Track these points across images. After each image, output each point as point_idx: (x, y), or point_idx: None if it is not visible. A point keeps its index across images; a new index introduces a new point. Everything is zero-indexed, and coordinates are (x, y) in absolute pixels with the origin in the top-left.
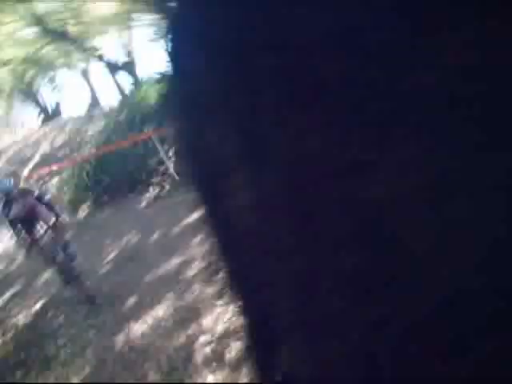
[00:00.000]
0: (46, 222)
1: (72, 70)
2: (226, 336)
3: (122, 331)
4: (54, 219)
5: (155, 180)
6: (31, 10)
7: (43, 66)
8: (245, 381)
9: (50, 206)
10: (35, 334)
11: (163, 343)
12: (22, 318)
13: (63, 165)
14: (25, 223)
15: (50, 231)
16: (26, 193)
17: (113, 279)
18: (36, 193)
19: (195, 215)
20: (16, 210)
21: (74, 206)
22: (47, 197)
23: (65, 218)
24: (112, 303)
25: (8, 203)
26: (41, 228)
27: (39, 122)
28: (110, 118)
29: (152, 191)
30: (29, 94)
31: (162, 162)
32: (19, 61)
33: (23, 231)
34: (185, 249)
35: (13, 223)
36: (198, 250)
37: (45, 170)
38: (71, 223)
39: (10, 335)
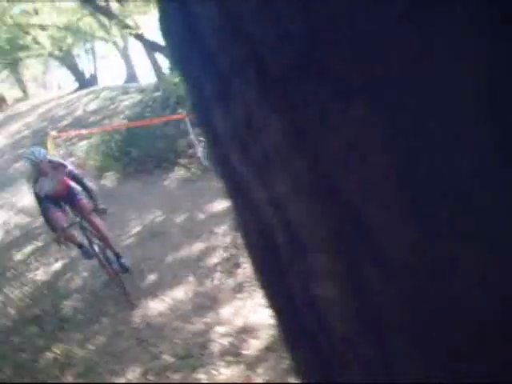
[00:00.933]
0: (82, 209)
1: (110, 44)
2: (243, 331)
3: (139, 306)
4: (90, 206)
5: (183, 161)
6: None
7: (82, 36)
8: (260, 381)
9: (87, 188)
10: (52, 293)
11: (180, 326)
12: (40, 274)
13: (93, 130)
14: (56, 203)
15: (87, 225)
16: (57, 165)
17: (135, 253)
18: (69, 167)
19: (221, 204)
20: (46, 185)
21: (100, 172)
22: (84, 178)
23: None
24: (132, 277)
25: (38, 176)
26: (74, 213)
27: (75, 87)
28: (145, 93)
29: (178, 172)
30: (66, 59)
31: (191, 145)
32: (58, 27)
33: (54, 213)
34: (208, 236)
35: (42, 202)
36: (222, 240)
37: (74, 133)
38: (96, 189)
39: (27, 289)
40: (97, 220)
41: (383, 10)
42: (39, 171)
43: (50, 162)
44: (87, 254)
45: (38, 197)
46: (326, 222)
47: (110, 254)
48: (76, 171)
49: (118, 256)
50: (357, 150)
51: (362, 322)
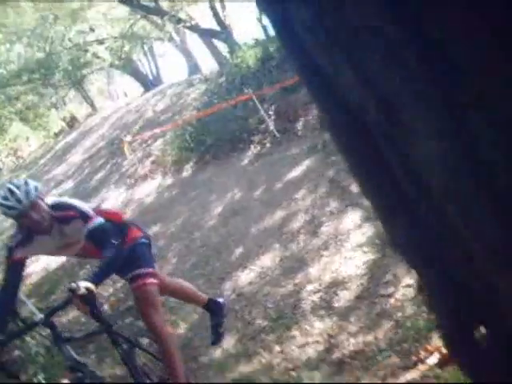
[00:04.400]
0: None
1: (168, 42)
2: (333, 285)
3: (229, 279)
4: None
5: (256, 138)
6: None
7: (138, 40)
8: (354, 328)
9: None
10: None
11: (270, 291)
12: None
13: (166, 128)
14: None
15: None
16: (62, 209)
17: (220, 231)
18: (88, 213)
19: (297, 171)
20: (38, 245)
21: (179, 166)
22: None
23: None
24: (220, 253)
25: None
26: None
27: (141, 91)
28: (209, 82)
29: (253, 149)
30: (127, 67)
31: (262, 121)
32: (114, 38)
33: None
34: (288, 203)
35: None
36: (301, 204)
37: (148, 134)
38: (176, 182)
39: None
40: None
41: None
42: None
43: (54, 206)
44: None
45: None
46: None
47: None
48: (95, 222)
49: None
50: None
51: None
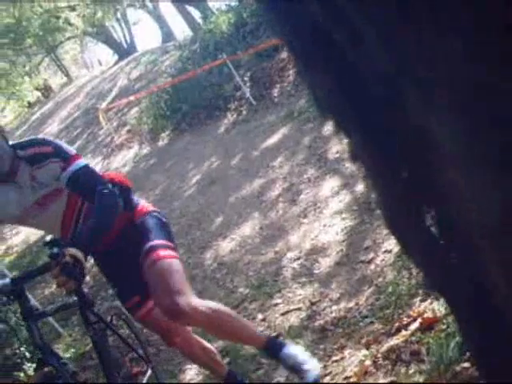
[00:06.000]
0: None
1: (140, 8)
2: (313, 252)
3: (210, 248)
4: None
5: (232, 106)
6: None
7: (110, 6)
8: (335, 295)
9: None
10: None
11: (251, 259)
12: None
13: (140, 95)
14: None
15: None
16: (31, 145)
17: (198, 201)
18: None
19: (273, 139)
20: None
21: (155, 134)
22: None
23: None
24: (200, 223)
25: None
26: None
27: (115, 59)
28: (183, 48)
29: (230, 117)
30: (101, 35)
31: (238, 88)
32: (86, 4)
33: None
34: (266, 171)
35: None
36: (279, 172)
37: (123, 102)
38: (153, 151)
39: None
40: None
41: None
42: None
43: (20, 145)
44: None
45: None
46: None
47: None
48: (79, 163)
49: None
50: None
51: None
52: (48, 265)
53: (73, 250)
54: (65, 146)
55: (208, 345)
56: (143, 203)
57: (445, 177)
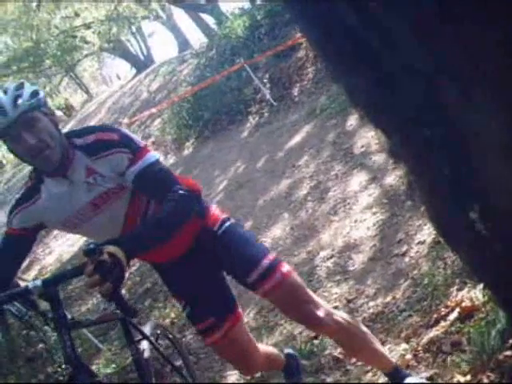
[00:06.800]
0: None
1: (154, 20)
2: (346, 249)
3: None
4: None
5: (253, 109)
6: None
7: (124, 21)
8: (371, 291)
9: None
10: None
11: (284, 261)
12: None
13: (162, 106)
14: None
15: None
16: (89, 132)
17: (227, 205)
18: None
19: (297, 138)
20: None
21: (179, 144)
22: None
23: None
24: None
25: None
26: None
27: (133, 73)
28: (200, 56)
29: (252, 120)
30: (117, 49)
31: (257, 91)
32: (100, 21)
33: None
34: (292, 171)
35: None
36: (305, 171)
37: (145, 114)
38: (179, 160)
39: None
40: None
41: None
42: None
43: (76, 132)
44: None
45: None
46: None
47: None
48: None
49: None
50: None
51: None
52: (82, 266)
53: (113, 248)
54: (133, 135)
55: (268, 349)
56: (214, 207)
57: (487, 170)
